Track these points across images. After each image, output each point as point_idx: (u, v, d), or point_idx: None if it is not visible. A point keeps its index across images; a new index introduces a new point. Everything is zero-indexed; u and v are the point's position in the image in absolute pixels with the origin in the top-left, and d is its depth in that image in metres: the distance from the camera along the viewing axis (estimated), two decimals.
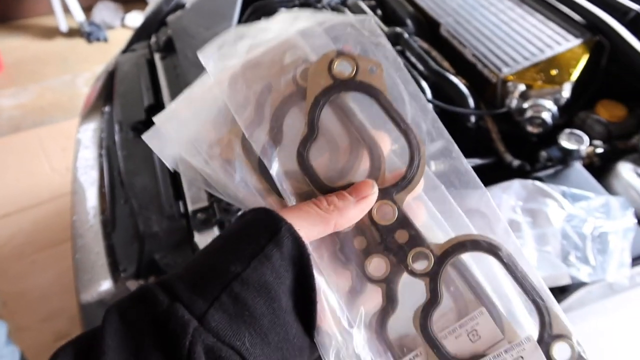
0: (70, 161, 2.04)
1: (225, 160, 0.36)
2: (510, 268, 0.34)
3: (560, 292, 0.70)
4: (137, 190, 0.96)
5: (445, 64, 1.17)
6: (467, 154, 1.08)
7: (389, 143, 0.36)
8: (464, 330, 0.34)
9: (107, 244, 1.03)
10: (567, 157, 0.92)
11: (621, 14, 1.14)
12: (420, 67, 1.14)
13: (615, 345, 0.61)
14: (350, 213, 0.34)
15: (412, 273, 0.35)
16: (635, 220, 0.76)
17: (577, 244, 0.74)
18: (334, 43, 0.37)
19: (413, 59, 1.17)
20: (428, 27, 1.31)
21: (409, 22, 1.31)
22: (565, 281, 0.68)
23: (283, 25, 0.39)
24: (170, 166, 0.38)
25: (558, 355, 0.33)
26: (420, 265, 0.35)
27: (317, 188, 0.36)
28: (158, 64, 1.30)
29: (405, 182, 0.35)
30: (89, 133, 1.35)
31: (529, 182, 0.87)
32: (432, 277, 0.34)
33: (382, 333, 0.34)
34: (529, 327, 0.33)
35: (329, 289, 0.34)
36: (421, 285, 0.34)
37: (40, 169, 2.16)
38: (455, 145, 0.38)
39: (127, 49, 1.46)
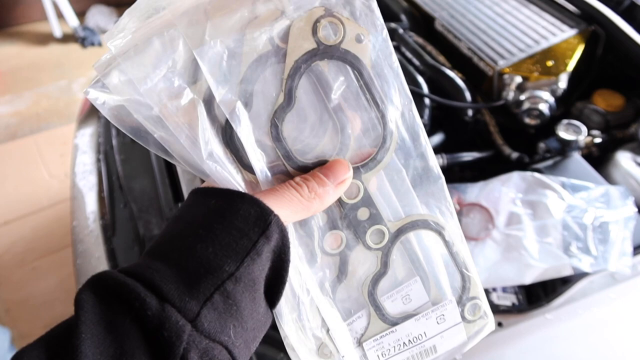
0: (68, 167, 2.04)
1: (186, 122, 0.31)
2: (449, 245, 0.39)
3: (563, 283, 0.70)
4: (136, 194, 0.96)
5: (441, 58, 1.17)
6: (466, 148, 1.09)
7: (359, 125, 0.36)
8: (399, 295, 0.39)
9: (107, 248, 1.03)
10: (565, 147, 0.92)
11: (615, 3, 1.14)
12: (416, 62, 1.14)
13: (619, 334, 0.61)
14: (329, 199, 0.35)
15: (369, 247, 0.38)
16: (636, 209, 0.76)
17: (578, 234, 0.73)
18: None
19: (409, 54, 1.17)
20: (423, 21, 1.31)
21: (403, 17, 1.31)
22: (567, 272, 0.68)
23: None
24: (113, 121, 0.33)
25: (468, 313, 0.40)
26: (376, 241, 0.38)
27: (288, 161, 0.35)
28: None
29: (374, 163, 0.36)
30: (86, 138, 1.35)
31: (528, 174, 0.87)
32: (385, 251, 0.38)
33: (331, 297, 0.38)
34: (449, 293, 0.39)
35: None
36: (370, 258, 0.38)
37: (39, 175, 2.15)
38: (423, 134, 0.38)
39: None
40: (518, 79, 1.05)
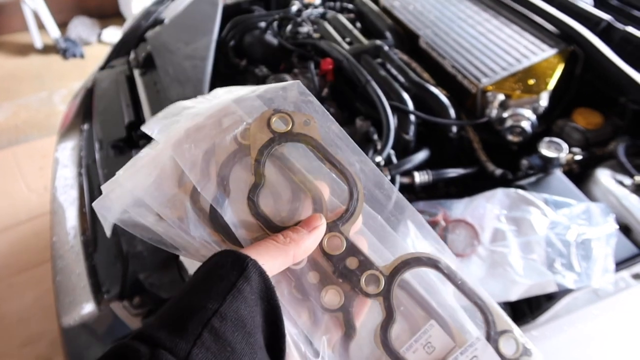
0: (48, 180, 2.00)
1: (178, 218, 0.38)
2: (450, 277, 0.38)
3: (547, 299, 0.71)
4: None
5: (426, 75, 1.18)
6: (450, 164, 1.10)
7: (327, 189, 0.41)
8: (420, 345, 0.37)
9: (88, 264, 1.01)
10: (547, 164, 0.94)
11: (593, 24, 1.18)
12: (401, 78, 1.15)
13: (602, 349, 0.62)
14: (305, 243, 0.37)
15: (367, 294, 0.38)
16: (617, 226, 0.78)
17: (562, 251, 0.75)
18: (268, 105, 0.41)
19: (394, 71, 1.18)
20: (407, 39, 1.33)
21: (388, 34, 1.33)
22: (552, 288, 0.69)
23: (221, 96, 0.43)
24: (108, 234, 0.42)
25: (505, 349, 0.36)
26: (373, 287, 0.38)
27: (269, 229, 0.39)
28: (138, 80, 1.29)
29: (348, 215, 0.40)
30: (67, 152, 1.33)
31: (512, 190, 0.88)
32: (385, 296, 0.38)
33: (346, 358, 0.37)
34: (473, 329, 0.37)
35: (291, 324, 0.36)
36: (375, 308, 0.38)
37: (17, 188, 2.11)
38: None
39: (106, 65, 1.44)
40: (501, 97, 1.07)
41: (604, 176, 0.92)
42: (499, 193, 0.88)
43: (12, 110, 2.67)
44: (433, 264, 0.38)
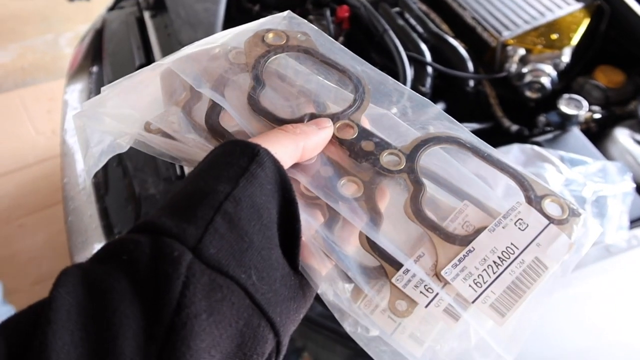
0: (56, 124, 1.99)
1: (172, 130, 0.37)
2: (476, 151, 0.36)
3: None
4: (131, 152, 0.94)
5: (444, 26, 1.15)
6: (465, 118, 1.08)
7: (329, 93, 0.39)
8: (457, 224, 0.33)
9: (100, 207, 1.02)
10: (565, 122, 0.92)
11: None
12: (420, 29, 1.12)
13: (613, 304, 0.63)
14: (314, 137, 0.34)
15: (389, 171, 0.35)
16: (634, 185, 0.77)
17: None
18: None
19: (412, 21, 1.14)
20: None
21: None
22: None
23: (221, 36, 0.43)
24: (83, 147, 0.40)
25: (551, 211, 0.33)
26: (393, 163, 0.35)
27: (275, 122, 0.36)
28: (148, 22, 1.25)
29: (356, 105, 0.37)
30: (77, 94, 1.31)
31: (528, 146, 0.87)
32: (409, 171, 0.35)
33: (376, 248, 0.32)
34: (510, 202, 0.33)
35: (306, 226, 0.31)
36: (398, 190, 0.35)
37: (24, 131, 2.10)
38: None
39: (115, 6, 1.40)
40: (521, 51, 1.04)
41: (622, 135, 0.91)
42: (515, 148, 0.87)
43: (17, 52, 2.63)
44: (454, 140, 0.36)
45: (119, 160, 1.04)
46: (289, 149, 0.32)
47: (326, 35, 0.41)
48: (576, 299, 0.63)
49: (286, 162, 0.31)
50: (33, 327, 0.22)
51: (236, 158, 0.28)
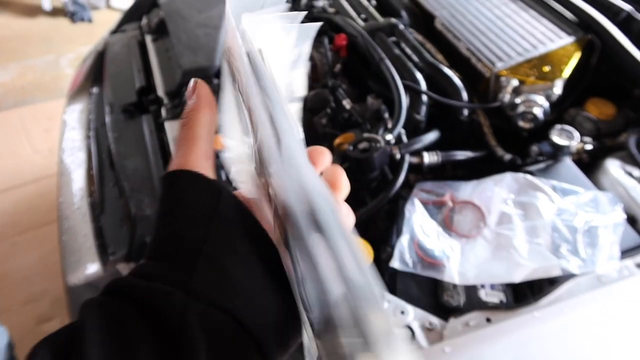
0: (53, 143, 2.00)
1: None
2: None
3: (550, 284, 0.72)
4: (128, 173, 0.95)
5: (440, 56, 1.17)
6: (459, 146, 1.10)
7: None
8: None
9: (95, 226, 1.02)
10: (557, 152, 0.94)
11: (613, 13, 1.16)
12: (415, 58, 1.14)
13: (604, 334, 0.63)
14: (200, 114, 0.35)
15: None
16: (625, 216, 0.78)
17: (567, 236, 0.75)
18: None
19: (408, 51, 1.17)
20: (423, 19, 1.31)
21: (403, 13, 1.31)
22: (556, 272, 0.70)
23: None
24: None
25: None
26: None
27: None
28: (149, 46, 1.28)
29: None
30: (76, 114, 1.32)
31: (521, 175, 0.88)
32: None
33: None
34: None
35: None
36: None
37: (22, 149, 2.11)
38: None
39: (117, 29, 1.43)
40: (515, 82, 1.06)
41: (613, 167, 0.92)
42: (508, 177, 0.88)
43: (18, 71, 2.65)
44: None
45: (115, 180, 1.05)
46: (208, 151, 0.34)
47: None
48: (567, 328, 0.64)
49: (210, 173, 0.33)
50: (71, 342, 0.27)
51: (203, 197, 0.31)
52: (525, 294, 0.75)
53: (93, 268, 0.95)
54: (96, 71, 1.36)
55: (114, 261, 0.92)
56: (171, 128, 1.02)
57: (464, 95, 1.06)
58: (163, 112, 1.07)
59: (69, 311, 0.97)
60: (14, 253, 1.68)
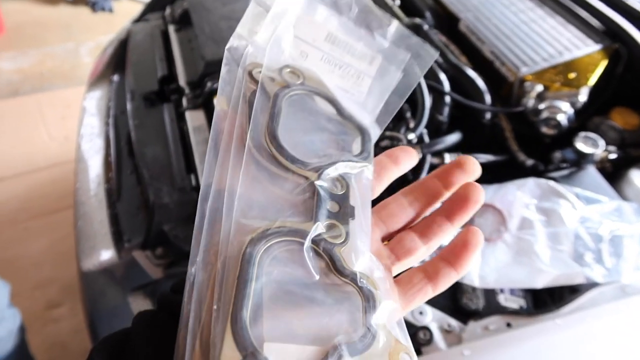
0: (70, 130, 2.01)
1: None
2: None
3: (571, 292, 0.71)
4: (148, 160, 0.95)
5: (463, 59, 1.16)
6: (480, 150, 1.08)
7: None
8: None
9: (111, 213, 1.02)
10: (581, 159, 0.92)
11: None
12: (439, 59, 1.13)
13: (627, 345, 0.62)
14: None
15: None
16: None
17: (591, 245, 0.74)
18: None
19: None
20: (447, 21, 1.30)
21: (428, 14, 1.30)
22: (579, 280, 0.68)
23: None
24: None
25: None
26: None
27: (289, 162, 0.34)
28: (172, 36, 1.28)
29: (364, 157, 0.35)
30: (95, 101, 1.33)
31: (544, 181, 0.87)
32: None
33: None
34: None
35: None
36: None
37: (38, 135, 2.12)
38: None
39: (141, 18, 1.43)
40: (539, 88, 1.05)
41: (637, 177, 0.91)
42: (530, 182, 0.87)
43: (38, 58, 2.67)
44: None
45: (133, 168, 1.05)
46: None
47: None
48: (589, 338, 0.63)
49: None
50: (122, 348, 0.30)
51: None
52: (544, 301, 0.73)
53: (108, 254, 0.95)
54: (117, 59, 1.36)
55: (129, 248, 0.92)
56: (192, 118, 1.02)
57: (487, 98, 1.05)
58: (184, 101, 1.07)
59: (82, 296, 0.97)
60: (25, 238, 1.69)
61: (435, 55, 0.39)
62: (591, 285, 0.69)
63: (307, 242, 0.29)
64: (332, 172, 0.33)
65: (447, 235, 0.34)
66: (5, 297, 1.07)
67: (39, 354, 1.24)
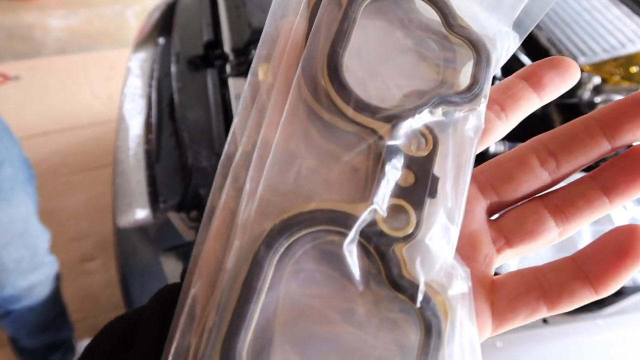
0: (113, 90, 2.04)
1: None
2: None
3: (614, 294, 0.67)
4: (189, 123, 0.95)
5: None
6: (527, 140, 1.05)
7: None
8: None
9: (148, 173, 1.03)
10: None
11: None
12: None
13: None
14: None
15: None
16: None
17: None
18: None
19: None
20: None
21: None
22: (625, 282, 0.65)
23: None
24: None
25: None
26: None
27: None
28: (220, 2, 1.27)
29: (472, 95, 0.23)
30: (140, 62, 1.34)
31: None
32: None
33: None
34: None
35: None
36: None
37: (82, 94, 2.17)
38: None
39: None
40: (597, 80, 1.00)
41: None
42: (577, 175, 0.83)
43: (86, 17, 2.72)
44: None
45: (173, 130, 1.05)
46: None
47: None
48: (631, 341, 0.60)
49: None
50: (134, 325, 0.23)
51: None
52: None
53: (143, 213, 0.96)
54: (164, 22, 1.36)
55: (165, 209, 0.93)
56: (234, 85, 1.01)
57: None
58: (228, 68, 1.06)
59: (116, 252, 1.00)
60: (65, 191, 1.74)
61: None
62: (636, 288, 0.66)
63: (351, 235, 0.19)
64: (414, 121, 0.21)
65: (597, 216, 0.23)
66: (46, 244, 1.11)
67: (70, 304, 1.28)
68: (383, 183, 0.20)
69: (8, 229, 0.96)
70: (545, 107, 1.01)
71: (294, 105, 0.21)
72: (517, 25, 0.26)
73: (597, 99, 0.98)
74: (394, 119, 0.21)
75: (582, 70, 1.01)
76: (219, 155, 0.89)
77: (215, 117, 0.95)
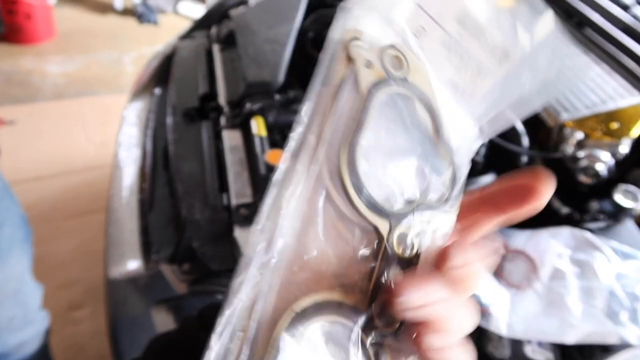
0: (107, 136, 2.06)
1: None
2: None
3: (602, 350, 0.68)
4: (183, 175, 0.97)
5: None
6: None
7: None
8: None
9: (141, 223, 1.04)
10: (619, 213, 0.90)
11: None
12: None
13: None
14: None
15: None
16: None
17: (626, 304, 0.71)
18: None
19: None
20: None
21: None
22: (613, 340, 0.66)
23: None
24: None
25: None
26: None
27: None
28: (216, 55, 1.31)
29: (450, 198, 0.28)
30: (136, 111, 1.37)
31: (579, 231, 0.85)
32: None
33: None
34: None
35: None
36: None
37: (76, 138, 2.19)
38: None
39: (187, 35, 1.48)
40: (579, 135, 1.03)
41: None
42: (565, 231, 0.85)
43: (84, 63, 2.77)
44: None
45: (167, 180, 1.07)
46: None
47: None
48: None
49: None
50: None
51: None
52: (573, 357, 0.71)
53: (135, 264, 0.96)
54: (161, 73, 1.40)
55: (157, 260, 0.93)
56: (229, 137, 1.03)
57: (525, 141, 1.04)
58: (222, 120, 1.09)
59: (106, 302, 0.99)
60: (55, 237, 1.73)
61: None
62: (625, 346, 0.67)
63: (355, 333, 0.22)
64: (410, 224, 0.25)
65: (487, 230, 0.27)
66: (38, 300, 1.09)
67: (56, 354, 1.25)
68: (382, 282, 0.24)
69: (2, 288, 0.95)
70: (531, 161, 1.04)
71: (314, 189, 0.23)
72: (483, 129, 0.30)
73: (580, 154, 1.01)
74: (395, 219, 0.24)
75: (564, 126, 1.04)
76: (212, 208, 0.91)
77: (209, 170, 0.96)
